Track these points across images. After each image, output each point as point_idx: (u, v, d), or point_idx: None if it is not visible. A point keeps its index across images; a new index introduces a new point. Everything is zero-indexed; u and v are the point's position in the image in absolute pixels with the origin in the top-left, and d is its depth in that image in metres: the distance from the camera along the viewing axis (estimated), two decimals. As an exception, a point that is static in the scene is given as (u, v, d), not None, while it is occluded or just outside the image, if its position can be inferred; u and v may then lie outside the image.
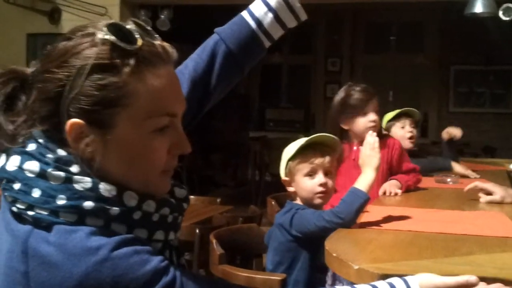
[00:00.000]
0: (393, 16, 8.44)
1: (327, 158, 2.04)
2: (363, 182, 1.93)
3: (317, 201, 2.05)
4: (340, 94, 2.73)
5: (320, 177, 2.02)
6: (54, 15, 5.96)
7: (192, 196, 4.53)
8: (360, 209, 1.88)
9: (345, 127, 2.72)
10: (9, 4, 5.90)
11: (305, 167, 2.03)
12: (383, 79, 8.41)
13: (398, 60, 8.76)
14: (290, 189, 2.10)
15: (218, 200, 4.37)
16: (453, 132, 3.72)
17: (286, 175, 2.08)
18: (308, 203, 2.06)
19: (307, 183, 2.03)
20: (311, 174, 2.03)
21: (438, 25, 8.49)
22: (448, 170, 3.27)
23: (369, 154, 2.00)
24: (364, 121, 2.66)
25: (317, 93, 9.01)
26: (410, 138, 3.33)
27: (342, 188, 2.27)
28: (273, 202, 3.31)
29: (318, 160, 2.02)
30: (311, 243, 1.99)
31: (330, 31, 8.98)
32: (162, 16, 6.08)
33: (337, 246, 1.62)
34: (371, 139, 2.05)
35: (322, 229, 1.87)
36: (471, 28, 6.77)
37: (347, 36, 8.94)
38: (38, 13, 5.96)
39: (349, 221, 1.85)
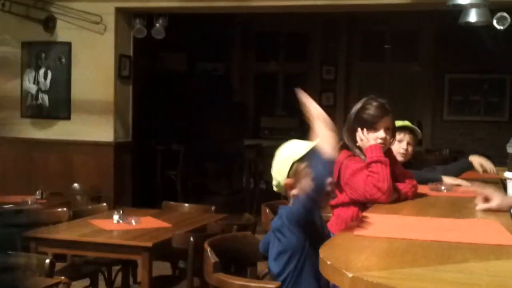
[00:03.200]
0: (389, 25, 8.47)
1: None
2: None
3: (322, 204, 2.11)
4: (357, 106, 2.71)
5: None
6: (49, 23, 5.96)
7: (186, 204, 4.52)
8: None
9: (357, 138, 2.69)
10: (4, 12, 5.90)
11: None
12: (378, 87, 8.43)
13: (393, 68, 8.79)
14: (293, 191, 2.10)
15: (213, 208, 4.36)
16: (486, 166, 3.63)
17: (290, 176, 2.08)
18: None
19: None
20: None
21: (433, 33, 8.52)
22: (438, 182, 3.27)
23: (327, 133, 1.98)
24: (373, 137, 2.64)
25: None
26: (402, 154, 3.31)
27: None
28: (267, 210, 3.31)
29: None
30: (313, 251, 1.99)
31: (326, 39, 9.00)
32: (157, 25, 6.08)
33: (331, 254, 1.61)
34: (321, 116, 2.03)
35: (304, 202, 1.96)
36: (466, 37, 6.80)
37: (343, 44, 8.96)
38: (33, 21, 5.95)
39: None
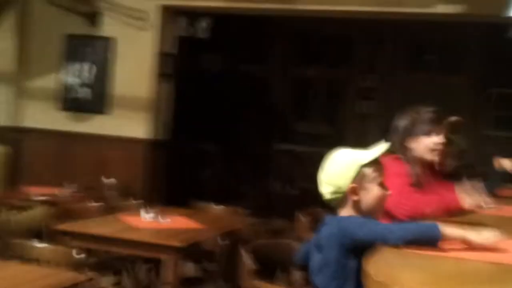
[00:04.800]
0: (435, 34, 8.28)
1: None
2: (452, 231, 1.83)
3: (380, 211, 2.09)
4: (410, 114, 2.67)
5: (386, 189, 2.08)
6: (94, 18, 5.99)
7: (217, 206, 4.46)
8: (419, 243, 1.80)
9: (410, 146, 2.63)
10: (50, 4, 5.95)
11: (378, 177, 2.07)
12: (420, 98, 8.22)
13: (436, 79, 8.59)
14: (355, 197, 2.05)
15: (244, 211, 4.30)
16: (505, 164, 3.53)
17: (355, 182, 2.03)
18: (369, 213, 2.05)
19: (380, 191, 2.06)
20: (381, 185, 2.07)
21: (480, 46, 8.30)
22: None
23: (487, 238, 1.83)
24: (427, 142, 2.60)
25: (348, 108, 8.88)
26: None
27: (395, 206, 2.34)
28: (302, 218, 3.23)
29: (383, 173, 2.09)
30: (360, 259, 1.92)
31: (369, 46, 8.86)
32: (202, 24, 6.06)
33: (377, 268, 1.53)
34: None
35: (372, 240, 1.86)
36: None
37: (386, 52, 8.80)
38: (78, 15, 5.99)
39: (397, 244, 1.82)
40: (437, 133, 2.61)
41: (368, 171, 2.05)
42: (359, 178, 2.04)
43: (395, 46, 8.77)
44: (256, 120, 8.31)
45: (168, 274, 3.28)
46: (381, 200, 2.08)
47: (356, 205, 2.06)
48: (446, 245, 1.79)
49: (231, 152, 7.67)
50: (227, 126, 8.02)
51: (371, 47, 8.81)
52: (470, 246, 1.78)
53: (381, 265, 1.60)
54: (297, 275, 2.44)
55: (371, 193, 2.05)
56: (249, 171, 7.73)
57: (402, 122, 2.70)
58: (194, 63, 7.93)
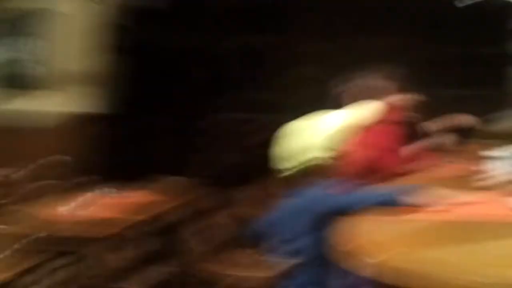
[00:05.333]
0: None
1: None
2: (407, 199, 1.88)
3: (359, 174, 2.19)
4: (362, 76, 2.82)
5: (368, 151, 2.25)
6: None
7: (172, 179, 4.41)
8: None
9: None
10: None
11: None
12: (356, 61, 8.18)
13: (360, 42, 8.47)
14: (339, 163, 2.08)
15: (198, 182, 4.31)
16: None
17: (343, 147, 2.08)
18: (350, 177, 2.12)
19: (363, 154, 2.25)
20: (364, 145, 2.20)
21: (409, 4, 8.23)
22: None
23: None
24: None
25: (287, 74, 8.81)
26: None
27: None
28: (254, 188, 3.28)
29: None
30: None
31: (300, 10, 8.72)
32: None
33: (349, 237, 1.57)
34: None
35: (345, 208, 1.88)
36: None
37: (321, 16, 8.71)
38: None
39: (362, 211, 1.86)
40: (394, 93, 2.73)
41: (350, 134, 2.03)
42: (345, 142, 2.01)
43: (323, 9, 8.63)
44: (197, 91, 8.23)
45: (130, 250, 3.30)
46: (367, 162, 2.18)
47: (337, 171, 2.04)
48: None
49: (180, 125, 7.61)
50: (175, 99, 7.93)
51: (301, 12, 8.72)
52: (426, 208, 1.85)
53: (353, 233, 1.60)
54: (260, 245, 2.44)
55: (353, 156, 2.06)
56: (198, 142, 7.72)
57: (356, 83, 2.78)
58: (145, 36, 7.75)
